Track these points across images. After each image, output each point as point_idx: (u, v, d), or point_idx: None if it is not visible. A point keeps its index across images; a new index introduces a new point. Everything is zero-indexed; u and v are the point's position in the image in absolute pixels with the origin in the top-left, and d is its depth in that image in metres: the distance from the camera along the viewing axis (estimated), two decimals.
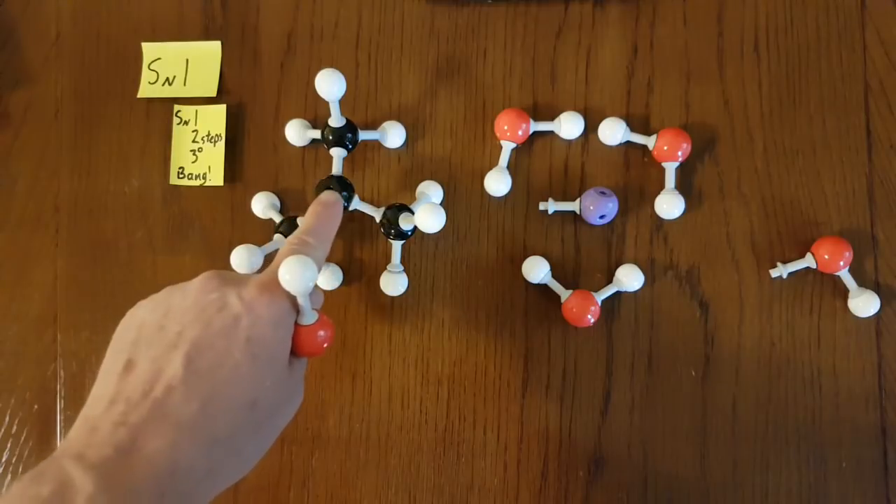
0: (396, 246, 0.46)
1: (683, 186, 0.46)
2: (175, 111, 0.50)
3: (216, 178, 0.49)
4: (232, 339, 0.30)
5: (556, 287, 0.45)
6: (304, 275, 0.31)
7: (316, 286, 0.38)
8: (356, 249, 0.48)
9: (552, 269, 0.46)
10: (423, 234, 0.47)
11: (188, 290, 0.33)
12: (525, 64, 0.48)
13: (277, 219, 0.47)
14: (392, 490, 0.46)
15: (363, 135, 0.46)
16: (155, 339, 0.30)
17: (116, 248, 0.50)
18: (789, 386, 0.44)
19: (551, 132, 0.47)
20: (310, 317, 0.34)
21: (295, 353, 0.34)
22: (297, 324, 0.34)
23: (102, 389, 0.30)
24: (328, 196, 0.40)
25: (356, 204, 0.44)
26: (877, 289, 0.44)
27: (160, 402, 0.28)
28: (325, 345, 0.35)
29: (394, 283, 0.45)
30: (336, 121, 0.44)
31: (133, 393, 0.29)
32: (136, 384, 0.29)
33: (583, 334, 0.46)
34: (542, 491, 0.45)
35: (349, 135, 0.45)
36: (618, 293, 0.45)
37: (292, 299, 0.33)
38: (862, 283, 0.44)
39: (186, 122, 0.50)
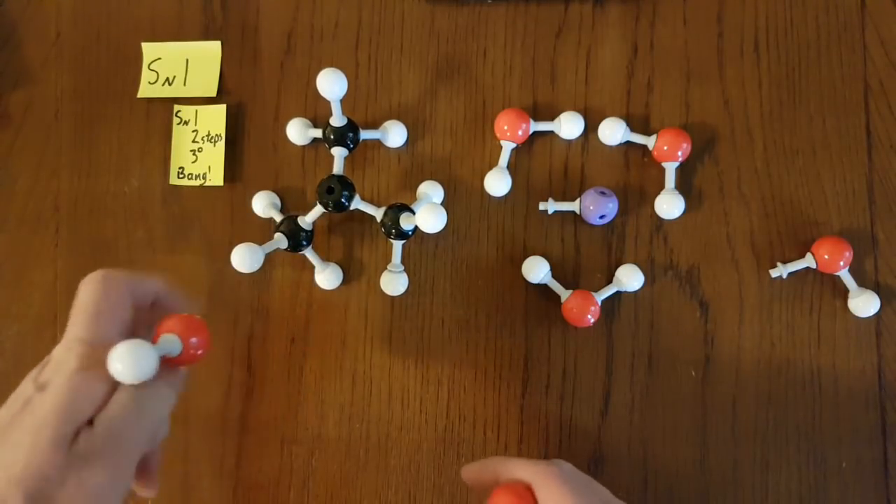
0: (397, 246, 0.46)
1: (683, 186, 0.46)
2: (175, 111, 0.50)
3: (216, 178, 0.49)
4: None
5: (556, 287, 0.45)
6: (140, 362, 0.28)
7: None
8: (356, 249, 0.48)
9: (552, 269, 0.46)
10: (423, 233, 0.47)
11: None
12: (525, 64, 0.48)
13: (278, 218, 0.47)
14: (392, 490, 0.46)
15: (364, 134, 0.46)
16: None
17: (116, 248, 0.50)
18: (789, 386, 0.44)
19: (551, 132, 0.47)
20: (173, 347, 0.32)
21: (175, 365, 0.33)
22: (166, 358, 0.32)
23: None
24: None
25: (357, 203, 0.44)
26: (877, 289, 0.44)
27: None
28: (200, 352, 0.33)
29: (394, 282, 0.45)
30: (338, 120, 0.44)
31: None
32: None
33: (583, 334, 0.46)
34: None
35: (351, 134, 0.45)
36: (618, 293, 0.45)
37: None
38: (862, 283, 0.44)
39: (186, 122, 0.50)
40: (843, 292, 0.44)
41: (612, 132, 0.46)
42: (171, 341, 0.32)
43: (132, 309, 0.34)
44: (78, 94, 0.51)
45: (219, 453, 0.47)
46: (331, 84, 0.41)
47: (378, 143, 0.48)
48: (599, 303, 0.44)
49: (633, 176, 0.47)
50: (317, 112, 0.49)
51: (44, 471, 0.28)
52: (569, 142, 0.47)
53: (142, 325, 0.35)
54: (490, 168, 0.47)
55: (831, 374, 0.44)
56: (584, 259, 0.46)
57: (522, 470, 0.35)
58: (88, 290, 0.33)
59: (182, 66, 0.50)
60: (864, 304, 0.43)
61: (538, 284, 0.46)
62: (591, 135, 0.47)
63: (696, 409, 0.45)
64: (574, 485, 0.33)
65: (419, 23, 0.49)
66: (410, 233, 0.44)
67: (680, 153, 0.44)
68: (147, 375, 0.29)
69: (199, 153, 0.49)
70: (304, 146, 0.49)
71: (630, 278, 0.44)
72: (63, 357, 0.31)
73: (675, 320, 0.45)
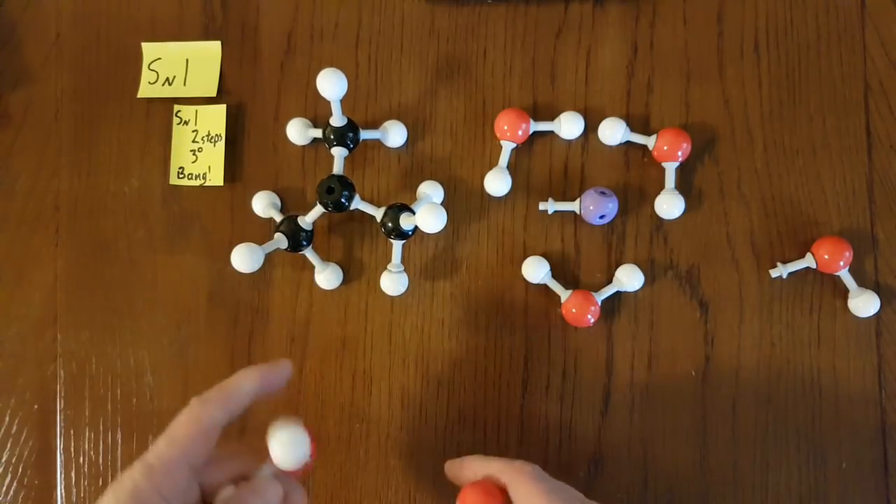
0: (397, 246, 0.46)
1: (683, 186, 0.46)
2: (175, 111, 0.50)
3: (216, 178, 0.49)
4: None
5: (556, 287, 0.45)
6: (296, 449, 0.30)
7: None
8: (356, 249, 0.48)
9: (552, 269, 0.46)
10: (423, 233, 0.47)
11: None
12: (525, 64, 0.48)
13: (278, 218, 0.47)
14: (392, 490, 0.46)
15: (364, 134, 0.46)
16: None
17: (116, 247, 0.50)
18: (789, 386, 0.44)
19: (551, 132, 0.47)
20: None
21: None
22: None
23: None
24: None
25: (357, 203, 0.44)
26: (877, 289, 0.44)
27: None
28: (309, 466, 0.34)
29: (394, 283, 0.45)
30: (338, 120, 0.44)
31: None
32: None
33: (583, 334, 0.46)
34: None
35: (351, 134, 0.45)
36: (618, 293, 0.45)
37: None
38: (862, 283, 0.44)
39: (186, 122, 0.50)
40: (843, 292, 0.44)
41: (612, 132, 0.46)
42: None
43: (216, 434, 0.33)
44: (78, 94, 0.51)
45: None
46: (331, 84, 0.41)
47: (378, 143, 0.48)
48: (599, 303, 0.44)
49: (633, 176, 0.47)
50: (317, 112, 0.49)
51: None
52: (569, 142, 0.47)
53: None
54: (490, 168, 0.47)
55: (831, 375, 0.44)
56: (584, 259, 0.46)
57: (497, 468, 0.36)
58: (179, 417, 0.33)
59: (182, 66, 0.50)
60: (864, 304, 0.43)
61: (538, 284, 0.46)
62: (591, 135, 0.47)
63: (696, 409, 0.45)
64: (547, 484, 0.34)
65: (419, 23, 0.49)
66: (410, 233, 0.44)
67: (680, 153, 0.44)
68: (301, 462, 0.30)
69: (199, 153, 0.49)
70: (304, 146, 0.49)
71: (630, 278, 0.44)
72: (124, 478, 0.31)
73: (675, 320, 0.45)
